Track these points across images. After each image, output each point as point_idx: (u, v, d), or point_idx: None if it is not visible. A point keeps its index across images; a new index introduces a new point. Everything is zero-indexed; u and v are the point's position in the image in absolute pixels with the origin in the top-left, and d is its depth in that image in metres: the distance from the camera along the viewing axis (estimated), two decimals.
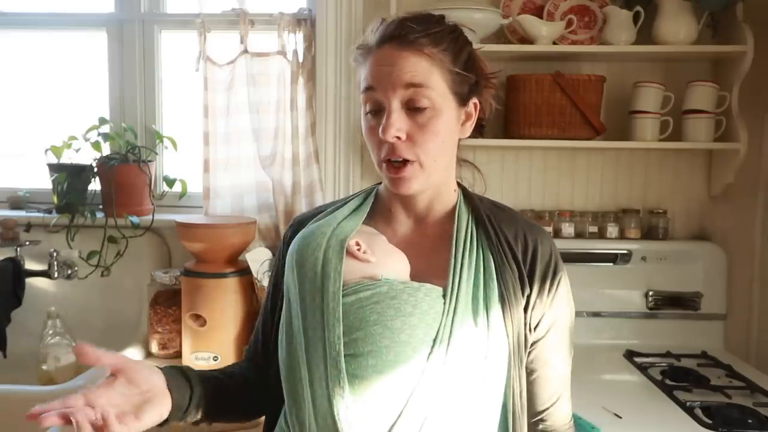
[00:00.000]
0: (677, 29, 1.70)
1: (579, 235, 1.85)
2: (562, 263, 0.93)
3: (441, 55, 0.85)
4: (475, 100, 0.91)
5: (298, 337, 0.85)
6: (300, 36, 1.85)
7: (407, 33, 0.84)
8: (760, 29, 1.67)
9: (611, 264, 1.80)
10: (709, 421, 1.31)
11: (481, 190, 1.01)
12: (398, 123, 0.84)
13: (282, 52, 1.84)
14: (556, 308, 0.91)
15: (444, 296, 0.84)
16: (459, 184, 0.98)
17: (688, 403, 1.39)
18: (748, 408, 1.38)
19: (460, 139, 0.94)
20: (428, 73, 0.84)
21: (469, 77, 0.89)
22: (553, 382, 0.93)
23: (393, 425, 0.77)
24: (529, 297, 0.88)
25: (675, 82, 1.79)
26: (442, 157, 0.89)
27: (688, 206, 1.91)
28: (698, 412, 1.36)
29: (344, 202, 0.99)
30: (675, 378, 1.56)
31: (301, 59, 1.84)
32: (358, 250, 0.88)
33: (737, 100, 1.72)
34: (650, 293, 1.82)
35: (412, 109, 0.85)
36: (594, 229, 1.86)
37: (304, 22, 1.84)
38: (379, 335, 0.80)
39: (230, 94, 1.87)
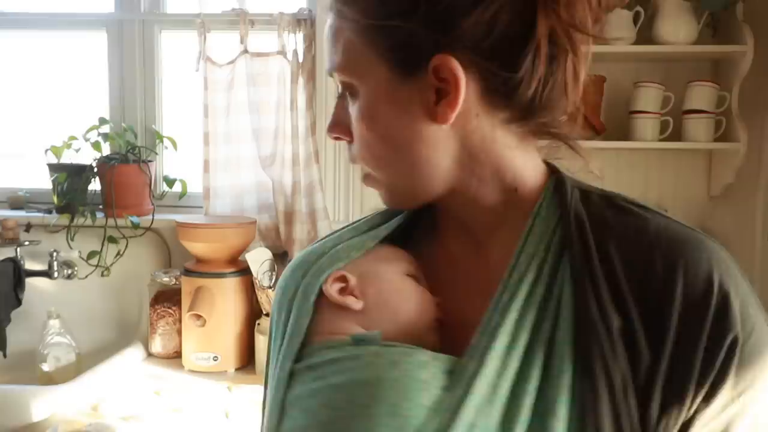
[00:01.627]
0: (677, 29, 1.70)
1: None
2: (750, 309, 0.48)
3: (356, 7, 0.55)
4: (439, 60, 0.50)
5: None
6: (300, 36, 1.84)
7: None
8: (760, 29, 1.67)
9: None
10: None
11: (603, 179, 0.63)
12: (335, 116, 0.59)
13: (282, 52, 1.84)
14: (727, 403, 0.47)
15: (451, 374, 0.49)
16: (554, 170, 0.59)
17: None
18: None
19: (533, 113, 0.54)
20: (338, 43, 0.57)
21: (419, 19, 0.50)
22: None
23: None
24: (653, 372, 0.47)
25: (675, 82, 1.79)
26: (398, 162, 0.55)
27: (688, 206, 1.91)
28: None
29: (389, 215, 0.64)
30: None
31: (301, 59, 1.84)
32: (342, 290, 0.57)
33: (737, 100, 1.71)
34: None
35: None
36: None
37: (304, 22, 1.84)
38: None
39: (230, 94, 1.87)
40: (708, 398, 0.46)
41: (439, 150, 0.54)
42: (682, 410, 0.46)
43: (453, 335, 0.53)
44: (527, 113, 0.53)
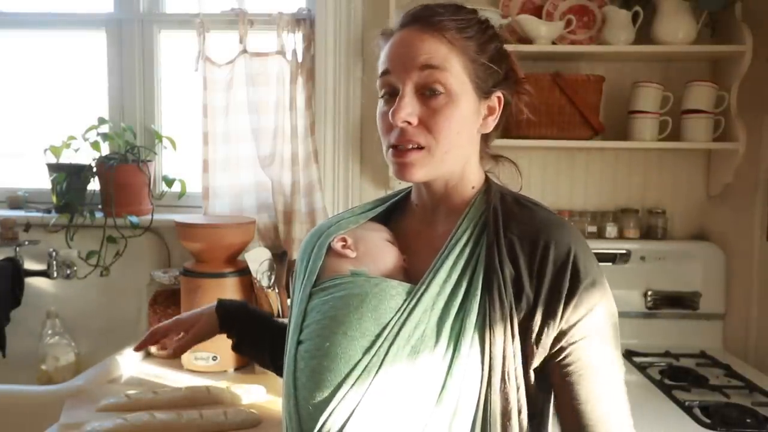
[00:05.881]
0: (676, 29, 1.70)
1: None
2: (590, 265, 0.79)
3: (464, 42, 0.82)
4: (498, 93, 0.86)
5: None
6: (299, 36, 1.85)
7: (431, 15, 0.82)
8: (758, 29, 1.67)
9: (610, 264, 1.80)
10: (708, 421, 1.32)
11: (521, 187, 0.93)
12: (409, 107, 0.80)
13: (281, 52, 1.84)
14: (579, 320, 0.77)
15: (408, 293, 0.80)
16: (488, 179, 0.91)
17: (686, 403, 1.39)
18: (746, 407, 1.38)
19: (487, 135, 0.89)
20: (446, 58, 0.80)
21: (494, 70, 0.85)
22: (582, 408, 0.78)
23: (325, 410, 0.75)
24: (533, 308, 0.77)
25: (674, 82, 1.79)
26: (456, 149, 0.83)
27: (687, 206, 1.91)
28: (697, 411, 1.36)
29: (381, 201, 0.98)
30: (674, 377, 1.56)
31: (300, 59, 1.84)
32: (344, 246, 0.88)
33: (736, 100, 1.72)
34: (649, 293, 1.82)
35: (425, 94, 0.81)
36: (593, 228, 1.86)
37: (304, 22, 1.84)
38: (322, 326, 0.80)
39: (229, 94, 1.87)
40: (573, 311, 0.77)
41: (472, 145, 0.87)
42: (556, 321, 0.77)
43: (413, 277, 0.84)
44: (487, 140, 0.91)
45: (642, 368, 1.62)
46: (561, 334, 0.77)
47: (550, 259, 0.78)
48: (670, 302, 1.82)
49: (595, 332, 0.78)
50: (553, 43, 1.75)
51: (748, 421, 1.32)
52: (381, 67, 0.85)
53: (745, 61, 1.66)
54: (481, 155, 0.91)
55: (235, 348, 1.13)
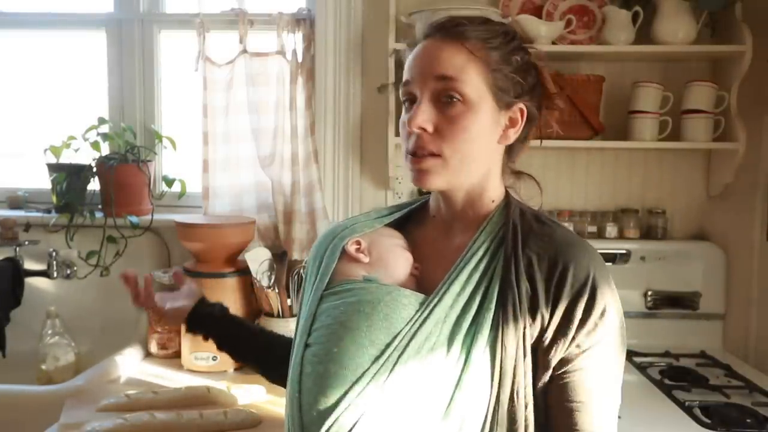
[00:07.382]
0: (676, 29, 1.70)
1: (578, 234, 1.85)
2: (606, 291, 0.79)
3: (484, 52, 0.81)
4: (521, 105, 0.84)
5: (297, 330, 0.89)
6: (299, 36, 1.85)
7: (454, 26, 0.83)
8: (758, 29, 1.68)
9: (610, 264, 1.80)
10: (708, 421, 1.32)
11: (541, 204, 0.93)
12: (425, 114, 0.81)
13: (281, 52, 1.85)
14: (589, 347, 0.77)
15: (421, 304, 0.80)
16: (508, 194, 0.91)
17: (686, 403, 1.39)
18: (746, 407, 1.38)
19: (511, 150, 0.89)
20: (464, 67, 0.80)
21: (516, 81, 0.84)
22: (581, 421, 0.78)
23: (330, 416, 0.74)
24: (546, 328, 0.77)
25: (674, 82, 1.79)
26: (472, 159, 0.83)
27: (687, 206, 1.91)
28: (697, 411, 1.36)
29: (398, 208, 0.98)
30: (674, 378, 1.56)
31: (300, 59, 1.84)
32: (357, 250, 0.88)
33: (736, 99, 1.72)
34: (649, 293, 1.82)
35: (442, 102, 0.81)
36: (593, 228, 1.86)
37: (303, 22, 1.84)
38: (332, 331, 0.79)
39: (229, 94, 1.87)
40: (586, 336, 0.76)
41: (491, 158, 0.86)
42: (566, 343, 0.77)
43: (424, 287, 0.84)
44: (512, 155, 0.90)
45: (642, 368, 1.62)
46: (568, 357, 0.77)
47: (569, 281, 0.77)
48: (670, 302, 1.82)
49: (599, 360, 0.78)
50: (553, 43, 1.75)
51: (748, 421, 1.32)
52: (404, 76, 0.86)
53: (745, 61, 1.66)
54: (504, 169, 0.90)
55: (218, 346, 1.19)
